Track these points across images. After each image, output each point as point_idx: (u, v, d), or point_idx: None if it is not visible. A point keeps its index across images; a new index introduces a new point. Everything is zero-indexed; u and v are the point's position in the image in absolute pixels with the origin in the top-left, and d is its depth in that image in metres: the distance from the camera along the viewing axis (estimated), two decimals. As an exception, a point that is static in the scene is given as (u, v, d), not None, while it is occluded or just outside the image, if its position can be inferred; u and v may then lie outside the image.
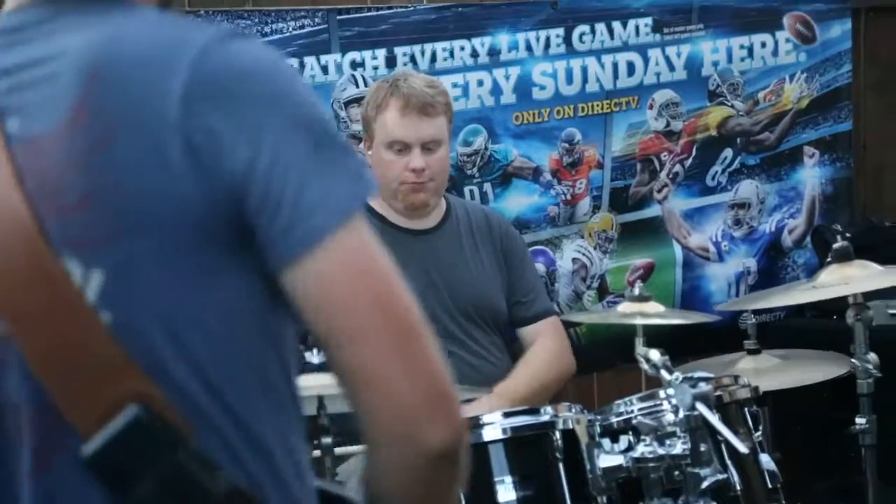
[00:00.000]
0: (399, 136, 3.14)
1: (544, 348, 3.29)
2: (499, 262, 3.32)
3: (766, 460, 2.80)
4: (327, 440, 2.49)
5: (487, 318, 3.27)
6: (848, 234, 3.88)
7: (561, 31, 3.87)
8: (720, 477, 2.61)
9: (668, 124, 4.05)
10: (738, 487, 2.71)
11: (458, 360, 3.19)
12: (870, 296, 3.24)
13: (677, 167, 4.09)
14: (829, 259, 3.19)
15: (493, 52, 3.79)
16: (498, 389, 3.14)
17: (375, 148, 3.19)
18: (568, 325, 3.58)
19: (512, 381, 3.20)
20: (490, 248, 3.32)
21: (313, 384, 2.55)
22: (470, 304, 3.24)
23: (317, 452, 2.60)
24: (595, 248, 3.98)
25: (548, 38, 3.86)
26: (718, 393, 2.78)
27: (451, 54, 3.74)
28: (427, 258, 3.22)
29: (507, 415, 2.72)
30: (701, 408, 2.55)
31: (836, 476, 3.58)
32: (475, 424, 2.68)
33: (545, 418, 2.70)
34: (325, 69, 3.58)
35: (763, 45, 4.18)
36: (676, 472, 2.58)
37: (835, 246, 3.17)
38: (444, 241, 3.26)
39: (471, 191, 3.77)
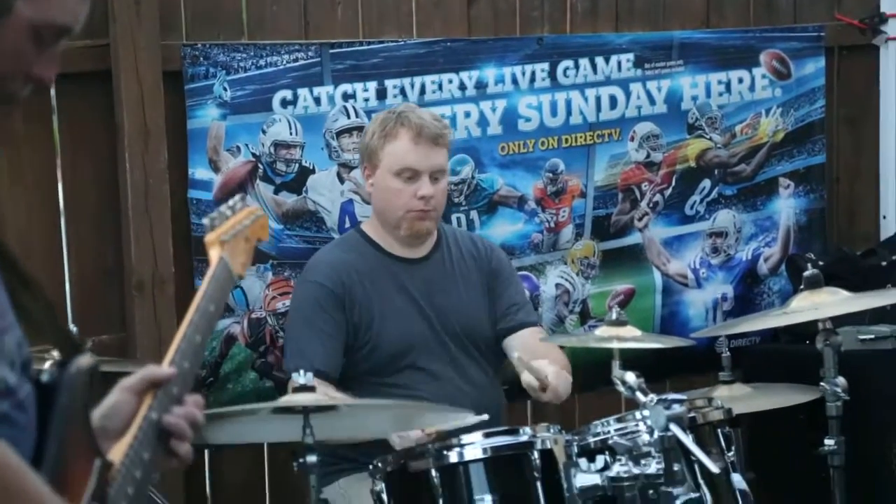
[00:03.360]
0: (411, 163, 3.14)
1: (546, 345, 3.24)
2: (486, 285, 3.31)
3: (737, 480, 2.79)
4: (312, 458, 2.47)
5: (478, 342, 3.26)
6: (821, 263, 3.89)
7: (546, 65, 3.88)
8: (693, 496, 2.61)
9: (648, 156, 4.05)
10: (711, 506, 2.69)
11: (449, 384, 3.18)
12: (840, 322, 3.24)
13: (657, 197, 4.08)
14: (801, 286, 3.19)
15: (481, 86, 3.79)
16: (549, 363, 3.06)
17: (380, 175, 3.18)
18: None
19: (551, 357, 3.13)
20: (477, 273, 3.31)
21: (299, 401, 2.54)
22: (460, 330, 3.23)
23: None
24: (577, 275, 3.97)
25: (533, 73, 3.86)
26: (692, 414, 2.77)
27: (440, 87, 3.74)
28: (419, 286, 3.21)
29: (486, 435, 2.71)
30: (675, 429, 2.55)
31: (807, 496, 3.57)
32: (455, 444, 2.67)
33: (524, 438, 2.69)
34: (317, 101, 3.57)
35: (740, 80, 4.19)
36: (651, 491, 2.57)
37: (805, 274, 3.17)
38: (436, 268, 3.25)
39: (458, 218, 3.76)
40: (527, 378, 2.98)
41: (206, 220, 1.87)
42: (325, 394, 2.85)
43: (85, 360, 1.52)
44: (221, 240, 1.84)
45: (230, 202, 1.92)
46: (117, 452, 1.54)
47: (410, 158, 3.14)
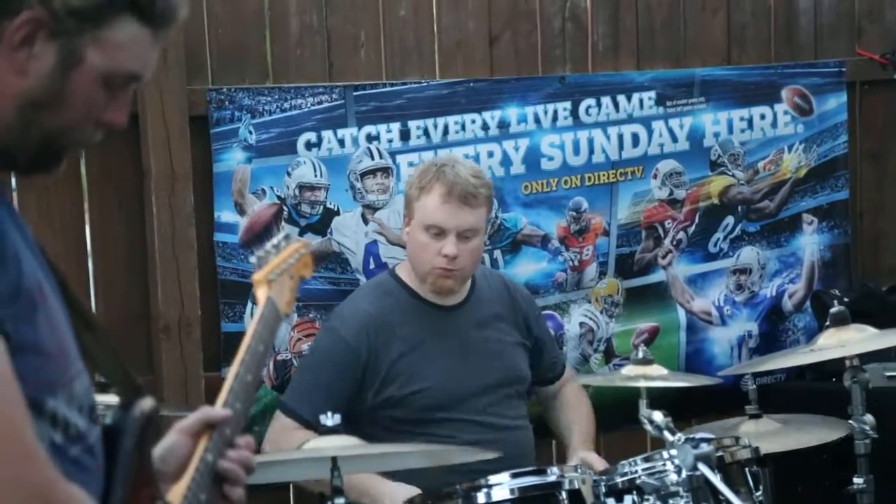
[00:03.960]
0: (437, 220, 3.13)
1: (574, 392, 3.41)
2: (521, 328, 3.33)
3: (766, 520, 2.78)
4: (340, 501, 2.48)
5: (515, 385, 3.27)
6: (846, 299, 3.87)
7: (568, 104, 3.90)
8: (722, 536, 2.59)
9: (671, 193, 4.06)
10: (740, 546, 2.68)
11: (487, 430, 3.18)
12: (867, 359, 3.23)
13: (681, 234, 4.09)
14: (827, 323, 3.18)
15: (503, 125, 3.81)
16: (579, 441, 3.27)
17: (413, 227, 3.19)
18: (575, 387, 3.58)
19: (583, 430, 3.32)
20: (512, 315, 3.33)
21: (327, 446, 2.55)
22: (499, 375, 3.24)
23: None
24: (601, 313, 3.97)
25: (555, 112, 3.88)
26: (720, 453, 2.77)
27: (463, 127, 3.76)
28: (456, 333, 3.22)
29: (514, 475, 2.71)
30: (703, 468, 2.54)
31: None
32: (483, 485, 2.67)
33: (552, 479, 2.69)
34: (341, 142, 3.60)
35: (762, 117, 4.20)
36: (679, 532, 2.56)
37: (832, 310, 3.16)
38: (472, 314, 3.26)
39: (482, 258, 3.77)
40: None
41: (253, 259, 1.88)
42: (284, 440, 3.06)
43: (147, 404, 1.54)
44: (268, 279, 1.84)
45: (275, 240, 1.91)
46: (175, 495, 1.55)
47: (438, 216, 3.13)
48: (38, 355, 1.38)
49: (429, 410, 3.12)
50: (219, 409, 1.66)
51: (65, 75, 1.43)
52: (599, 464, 3.06)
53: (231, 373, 1.71)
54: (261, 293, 1.83)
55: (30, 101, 1.42)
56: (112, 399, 1.57)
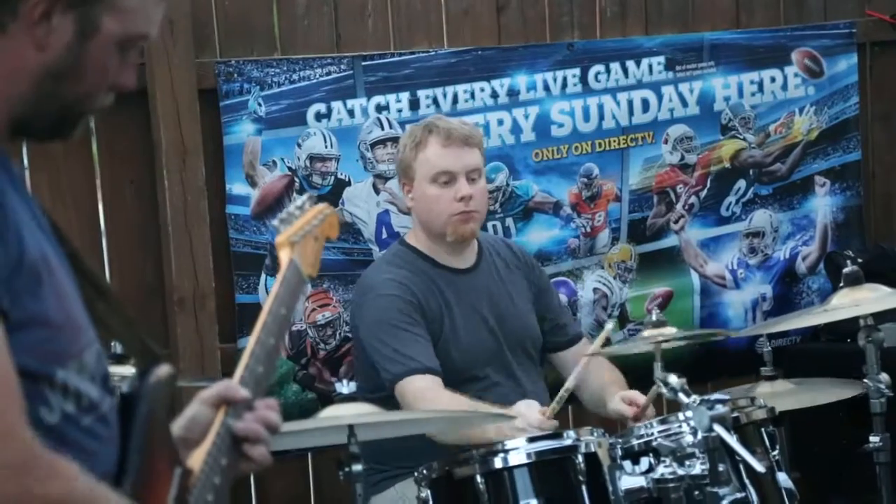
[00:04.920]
0: (445, 166, 3.14)
1: (600, 362, 3.29)
2: (530, 290, 3.33)
3: (783, 479, 2.78)
4: (358, 467, 2.48)
5: (531, 346, 3.28)
6: (860, 260, 3.87)
7: (577, 70, 3.88)
8: (738, 496, 2.60)
9: (682, 158, 4.05)
10: (757, 505, 2.69)
11: (507, 390, 3.18)
12: (881, 318, 3.22)
13: (693, 199, 4.08)
14: (840, 283, 3.17)
15: (513, 93, 3.80)
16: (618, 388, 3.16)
17: (418, 186, 3.17)
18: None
19: (618, 382, 3.22)
20: (521, 278, 3.32)
21: (344, 413, 2.56)
22: (518, 335, 3.25)
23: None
24: (615, 278, 3.97)
25: (564, 78, 3.87)
26: (735, 414, 2.77)
27: (472, 96, 3.75)
28: (476, 295, 3.22)
29: (531, 439, 2.71)
30: (718, 429, 2.54)
31: (853, 494, 3.54)
32: (500, 450, 2.68)
33: (568, 442, 2.70)
34: (351, 113, 3.60)
35: (772, 80, 4.18)
36: (696, 492, 2.56)
37: (845, 270, 3.16)
38: (486, 277, 3.26)
39: (494, 226, 3.77)
40: (618, 407, 3.04)
41: (275, 222, 1.83)
42: (437, 397, 2.94)
43: (164, 370, 1.54)
44: (291, 241, 1.80)
45: (298, 202, 1.88)
46: (196, 460, 1.55)
47: (444, 162, 3.14)
48: (45, 327, 1.39)
49: (453, 375, 3.09)
50: (240, 391, 1.64)
51: (82, 46, 1.44)
52: (640, 396, 3.02)
53: (253, 336, 1.70)
54: (283, 255, 1.80)
55: (49, 74, 1.44)
56: (128, 370, 1.57)
